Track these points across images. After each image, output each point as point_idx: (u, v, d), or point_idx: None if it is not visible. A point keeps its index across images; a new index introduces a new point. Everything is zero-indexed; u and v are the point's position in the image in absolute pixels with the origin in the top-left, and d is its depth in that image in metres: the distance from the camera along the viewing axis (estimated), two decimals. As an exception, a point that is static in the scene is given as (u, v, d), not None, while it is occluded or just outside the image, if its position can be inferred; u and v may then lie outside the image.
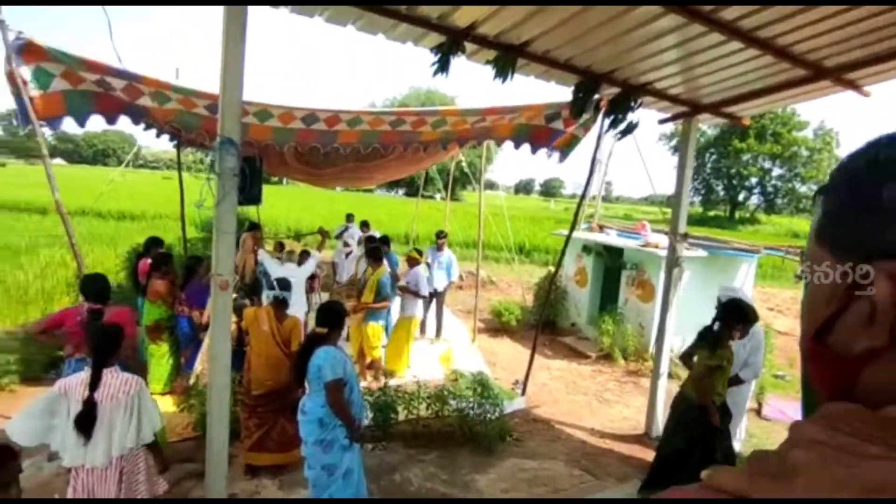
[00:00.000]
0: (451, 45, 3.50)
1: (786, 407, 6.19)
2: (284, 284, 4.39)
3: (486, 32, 3.55)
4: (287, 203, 26.30)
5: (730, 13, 3.14)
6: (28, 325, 3.92)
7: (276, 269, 5.85)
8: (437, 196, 36.88)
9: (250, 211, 10.99)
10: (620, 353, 7.61)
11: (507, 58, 3.72)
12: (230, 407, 3.30)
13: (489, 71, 3.79)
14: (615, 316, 7.89)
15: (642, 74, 4.25)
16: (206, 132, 4.63)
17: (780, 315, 11.12)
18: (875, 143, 0.48)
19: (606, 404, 6.26)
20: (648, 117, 5.36)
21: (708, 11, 3.13)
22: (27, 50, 3.84)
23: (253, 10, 3.02)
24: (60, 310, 4.15)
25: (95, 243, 11.71)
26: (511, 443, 5.02)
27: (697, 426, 3.85)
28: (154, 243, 6.45)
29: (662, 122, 5.35)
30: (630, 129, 4.65)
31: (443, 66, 3.54)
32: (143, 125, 5.61)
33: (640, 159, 5.69)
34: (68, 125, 4.50)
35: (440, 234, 8.07)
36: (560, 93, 4.54)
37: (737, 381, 4.32)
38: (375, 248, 6.33)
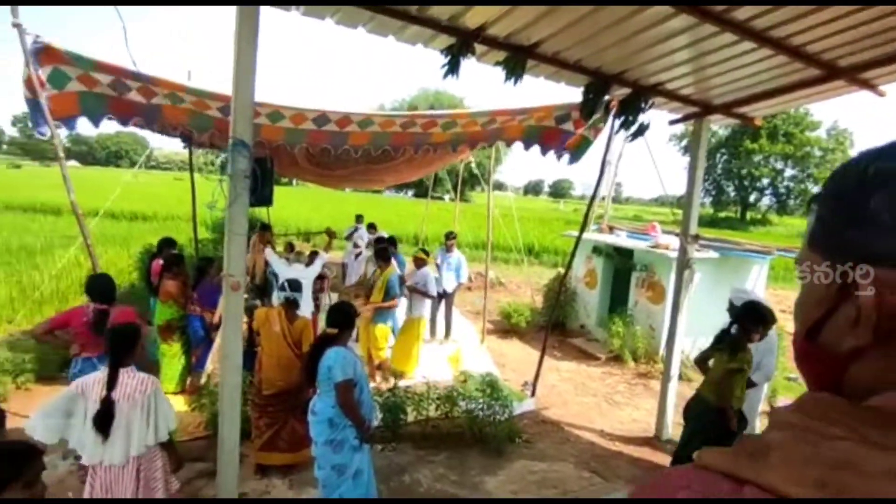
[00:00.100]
0: (461, 46, 3.50)
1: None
2: (295, 285, 4.41)
3: (496, 34, 3.55)
4: (297, 204, 26.46)
5: (742, 13, 3.12)
6: (34, 328, 3.96)
7: (283, 270, 5.89)
8: (447, 197, 37.00)
9: (260, 212, 11.07)
10: (630, 355, 7.56)
11: (517, 59, 3.72)
12: (241, 407, 3.32)
13: (497, 72, 3.79)
14: (625, 318, 7.84)
15: (653, 75, 4.22)
16: (218, 133, 4.68)
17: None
18: (865, 155, 0.51)
19: (616, 406, 6.22)
20: (659, 118, 5.34)
21: (720, 11, 3.11)
22: (45, 53, 3.91)
23: (265, 12, 3.05)
24: (66, 310, 4.19)
25: (109, 244, 11.85)
26: (520, 444, 5.01)
27: (715, 430, 3.81)
28: (167, 244, 6.51)
29: (673, 122, 5.32)
30: (641, 130, 4.62)
31: (453, 68, 3.55)
32: (155, 129, 5.68)
33: (650, 160, 5.66)
34: (82, 127, 4.57)
35: (449, 236, 8.07)
36: (570, 94, 4.53)
37: (749, 384, 4.27)
38: (383, 249, 6.39)
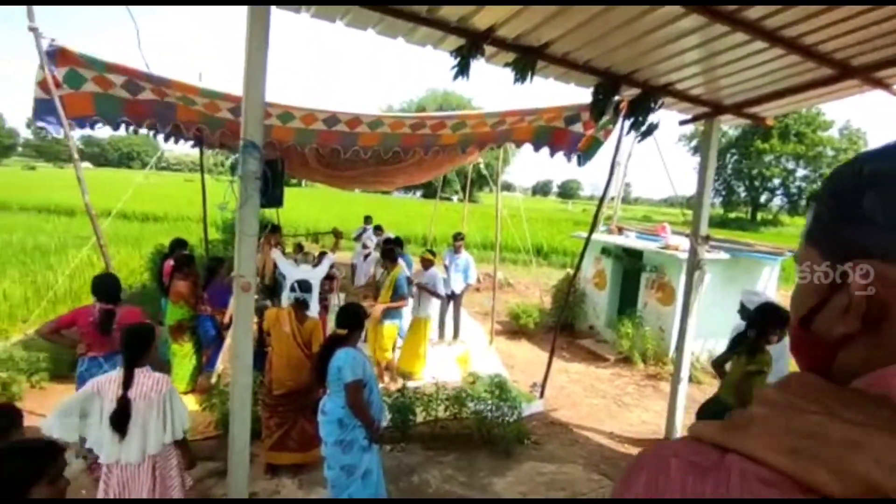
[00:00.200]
0: (470, 47, 3.51)
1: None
2: (305, 286, 4.44)
3: (505, 35, 3.55)
4: (306, 204, 26.60)
5: (753, 13, 3.09)
6: (40, 326, 4.01)
7: (290, 270, 5.92)
8: (455, 198, 37.04)
9: (270, 213, 11.14)
10: (640, 357, 7.52)
11: (527, 60, 3.71)
12: (251, 406, 3.35)
13: (505, 72, 3.79)
14: (634, 319, 7.80)
15: (663, 75, 4.20)
16: (229, 133, 4.72)
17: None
18: (860, 157, 0.55)
19: (625, 408, 6.19)
20: (668, 118, 5.31)
21: (731, 11, 3.08)
22: (60, 55, 3.97)
23: (275, 14, 3.07)
24: (72, 309, 4.24)
25: (121, 244, 11.99)
26: (529, 446, 5.00)
27: None
28: (178, 245, 6.57)
29: (683, 122, 5.28)
30: (650, 130, 4.59)
31: (463, 70, 3.55)
32: (168, 131, 5.74)
33: (660, 160, 5.63)
34: (96, 128, 4.64)
35: (457, 236, 8.06)
36: (579, 94, 4.52)
37: (760, 386, 4.24)
38: (390, 250, 6.45)
